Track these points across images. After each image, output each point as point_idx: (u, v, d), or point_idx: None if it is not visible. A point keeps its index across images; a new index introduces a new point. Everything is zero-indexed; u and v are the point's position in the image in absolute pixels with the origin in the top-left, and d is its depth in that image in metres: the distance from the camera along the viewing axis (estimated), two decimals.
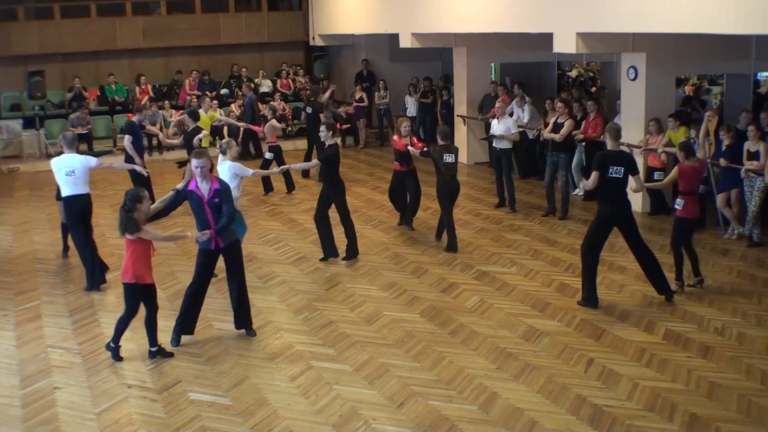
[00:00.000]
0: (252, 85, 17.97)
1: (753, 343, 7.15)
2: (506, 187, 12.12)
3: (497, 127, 11.94)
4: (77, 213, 8.99)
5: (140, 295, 6.98)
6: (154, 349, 7.14)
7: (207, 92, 18.52)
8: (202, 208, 7.11)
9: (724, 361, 6.79)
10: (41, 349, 7.41)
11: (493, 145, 12.12)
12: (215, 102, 17.31)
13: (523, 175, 14.40)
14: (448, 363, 6.90)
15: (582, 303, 8.16)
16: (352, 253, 9.87)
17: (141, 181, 11.64)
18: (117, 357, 7.07)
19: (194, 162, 7.13)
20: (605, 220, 8.05)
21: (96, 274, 9.02)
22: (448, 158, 10.11)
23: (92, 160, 9.15)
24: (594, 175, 7.97)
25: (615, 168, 7.90)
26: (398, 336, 7.52)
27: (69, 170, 8.87)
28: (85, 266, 9.10)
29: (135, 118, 12.17)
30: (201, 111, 13.56)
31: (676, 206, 8.47)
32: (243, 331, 7.66)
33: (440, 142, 10.24)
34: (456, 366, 6.83)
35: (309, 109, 15.00)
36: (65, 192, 8.95)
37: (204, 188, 7.11)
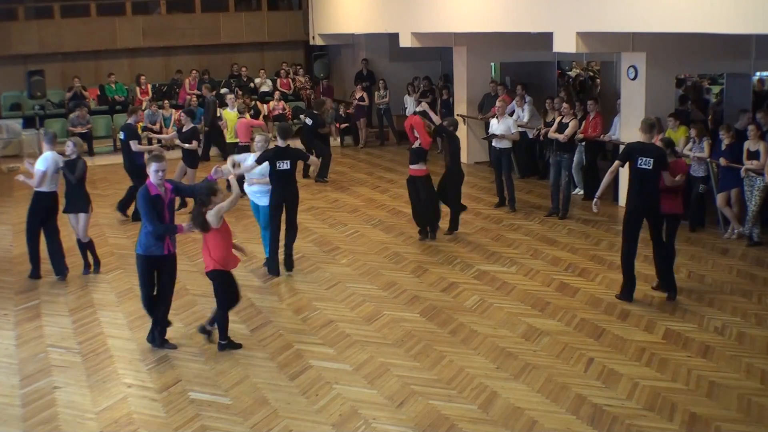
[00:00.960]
0: (211, 87, 17.61)
1: (753, 343, 7.15)
2: (506, 186, 12.12)
3: (497, 126, 11.93)
4: (52, 208, 9.27)
5: (230, 280, 7.12)
6: (224, 342, 7.24)
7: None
8: (164, 210, 7.13)
9: (724, 361, 6.79)
10: (41, 348, 7.41)
11: (493, 144, 12.10)
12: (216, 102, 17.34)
13: (522, 174, 14.40)
14: (448, 362, 6.90)
15: (619, 296, 8.24)
16: (274, 266, 9.34)
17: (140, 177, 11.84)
18: (234, 345, 7.20)
19: (154, 166, 7.06)
20: (632, 213, 8.02)
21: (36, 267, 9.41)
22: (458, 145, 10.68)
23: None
24: (615, 164, 8.07)
25: (644, 159, 7.85)
26: (398, 335, 7.52)
27: (57, 167, 9.14)
28: (31, 259, 9.38)
29: (131, 120, 12.23)
30: (228, 109, 13.97)
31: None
32: (242, 331, 7.66)
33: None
34: (456, 365, 6.83)
35: (309, 121, 14.75)
36: (49, 188, 9.13)
37: (162, 191, 7.13)
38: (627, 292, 8.19)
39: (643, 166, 7.85)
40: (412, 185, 10.60)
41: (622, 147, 8.41)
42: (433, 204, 10.58)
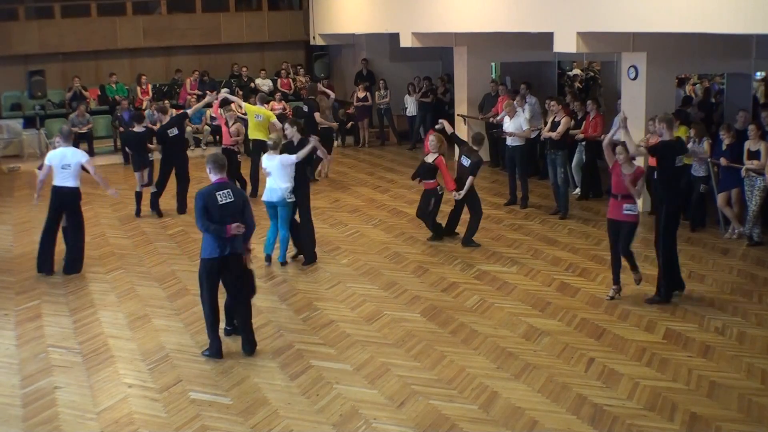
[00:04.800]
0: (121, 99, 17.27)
1: (753, 343, 7.15)
2: (520, 185, 12.21)
3: (509, 124, 12.14)
4: (58, 204, 9.37)
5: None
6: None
7: (207, 92, 18.53)
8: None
9: (725, 361, 6.79)
10: (42, 348, 7.41)
11: (507, 143, 12.30)
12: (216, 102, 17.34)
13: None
14: (449, 362, 6.90)
15: (653, 299, 8.12)
16: (310, 257, 9.74)
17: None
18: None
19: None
20: (677, 210, 8.14)
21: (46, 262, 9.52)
22: None
23: (84, 157, 9.52)
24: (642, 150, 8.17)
25: (679, 158, 8.07)
26: (399, 335, 7.52)
27: (66, 164, 9.24)
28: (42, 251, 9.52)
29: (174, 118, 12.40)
30: (259, 106, 13.59)
31: (627, 212, 8.06)
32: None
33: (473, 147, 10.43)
34: (456, 365, 6.83)
35: (305, 108, 14.63)
36: (57, 182, 9.30)
37: None
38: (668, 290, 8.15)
39: (679, 164, 8.08)
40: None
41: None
42: (427, 214, 10.43)
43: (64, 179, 9.27)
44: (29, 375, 6.82)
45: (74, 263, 9.55)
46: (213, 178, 6.98)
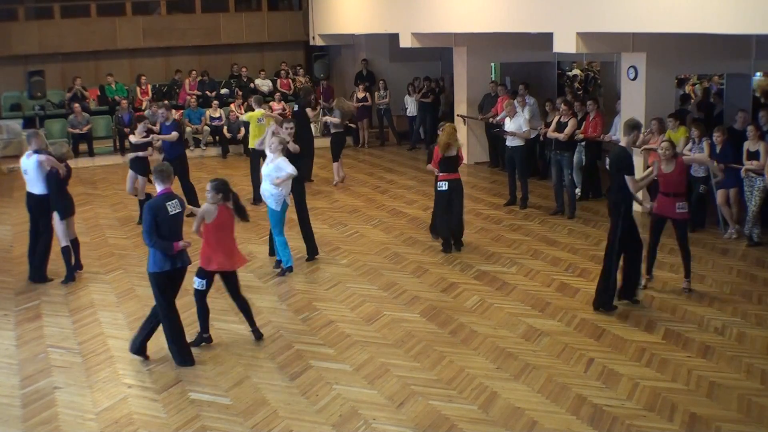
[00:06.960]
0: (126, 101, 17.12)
1: (753, 343, 7.15)
2: (520, 185, 12.21)
3: (509, 124, 12.17)
4: (28, 209, 9.34)
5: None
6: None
7: (207, 92, 18.56)
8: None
9: (724, 361, 6.79)
10: (41, 348, 7.41)
11: (506, 143, 12.32)
12: (216, 102, 17.38)
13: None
14: (448, 363, 6.90)
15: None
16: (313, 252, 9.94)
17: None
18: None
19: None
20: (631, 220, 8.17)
21: (38, 269, 9.34)
22: None
23: (41, 158, 9.21)
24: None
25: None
26: (398, 336, 7.53)
27: (24, 170, 9.30)
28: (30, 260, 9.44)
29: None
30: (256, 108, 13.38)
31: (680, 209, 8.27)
32: (243, 332, 7.66)
33: None
34: (456, 366, 6.83)
35: (295, 107, 14.20)
36: (27, 188, 9.33)
37: None
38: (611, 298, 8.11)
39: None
40: (453, 192, 10.03)
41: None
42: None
43: (30, 186, 9.25)
44: (29, 375, 6.83)
45: (36, 271, 9.30)
46: (159, 188, 6.92)
